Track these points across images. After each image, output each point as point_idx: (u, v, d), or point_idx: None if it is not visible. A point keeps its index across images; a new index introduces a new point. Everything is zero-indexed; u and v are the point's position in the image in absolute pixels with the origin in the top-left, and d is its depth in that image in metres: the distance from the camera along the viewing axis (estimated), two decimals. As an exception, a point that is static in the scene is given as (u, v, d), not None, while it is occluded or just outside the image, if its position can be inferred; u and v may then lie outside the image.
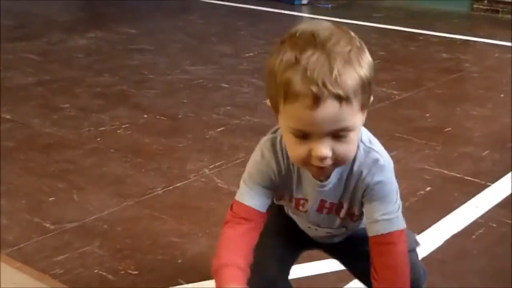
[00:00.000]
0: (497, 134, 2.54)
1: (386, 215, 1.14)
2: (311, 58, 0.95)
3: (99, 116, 2.65)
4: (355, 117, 1.02)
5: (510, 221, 1.86)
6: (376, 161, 1.13)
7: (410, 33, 4.33)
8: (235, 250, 1.14)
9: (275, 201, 1.24)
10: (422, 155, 2.37)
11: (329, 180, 1.15)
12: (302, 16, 4.99)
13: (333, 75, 0.95)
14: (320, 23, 1.03)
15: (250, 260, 1.14)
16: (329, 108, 0.97)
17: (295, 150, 1.05)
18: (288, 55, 0.97)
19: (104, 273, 1.57)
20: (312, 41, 0.98)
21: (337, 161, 1.05)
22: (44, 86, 3.05)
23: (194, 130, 2.52)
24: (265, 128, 2.59)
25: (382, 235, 1.13)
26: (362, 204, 1.18)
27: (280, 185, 1.18)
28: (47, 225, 1.81)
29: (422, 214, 1.95)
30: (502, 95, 3.06)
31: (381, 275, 1.14)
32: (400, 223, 1.15)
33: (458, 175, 2.20)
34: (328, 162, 1.03)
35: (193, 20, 4.77)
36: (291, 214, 1.31)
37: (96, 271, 1.58)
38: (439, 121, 2.71)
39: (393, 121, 2.68)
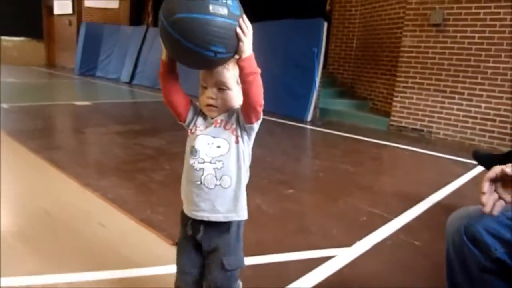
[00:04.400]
0: (393, 189, 3.05)
1: None
2: None
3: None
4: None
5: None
6: None
7: (357, 139, 4.74)
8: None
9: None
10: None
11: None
12: (307, 127, 5.43)
13: None
14: None
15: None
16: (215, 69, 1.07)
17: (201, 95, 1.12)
18: None
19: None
20: None
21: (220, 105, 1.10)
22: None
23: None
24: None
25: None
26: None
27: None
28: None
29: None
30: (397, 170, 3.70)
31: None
32: None
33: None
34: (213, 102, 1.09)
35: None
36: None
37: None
38: (371, 178, 3.25)
39: (336, 177, 3.27)
